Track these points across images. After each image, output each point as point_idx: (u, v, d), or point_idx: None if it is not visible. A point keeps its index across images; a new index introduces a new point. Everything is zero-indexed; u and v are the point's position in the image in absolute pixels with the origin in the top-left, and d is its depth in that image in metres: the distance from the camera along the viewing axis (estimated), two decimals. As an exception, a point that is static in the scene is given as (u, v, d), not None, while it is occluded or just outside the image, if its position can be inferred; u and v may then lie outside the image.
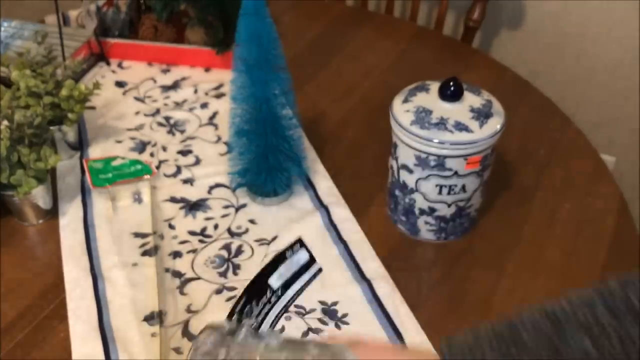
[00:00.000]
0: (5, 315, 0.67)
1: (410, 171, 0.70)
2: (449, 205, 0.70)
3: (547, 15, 1.44)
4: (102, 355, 0.62)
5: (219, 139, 0.91)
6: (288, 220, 0.78)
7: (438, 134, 0.66)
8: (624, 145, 1.47)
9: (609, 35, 1.39)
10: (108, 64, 1.09)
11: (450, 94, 0.68)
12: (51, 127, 0.83)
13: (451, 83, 0.68)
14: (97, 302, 0.68)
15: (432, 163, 0.67)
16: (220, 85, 1.02)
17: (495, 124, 0.68)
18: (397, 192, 0.74)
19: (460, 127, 0.66)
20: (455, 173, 0.68)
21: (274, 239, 0.75)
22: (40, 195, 0.76)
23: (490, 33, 1.51)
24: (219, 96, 1.00)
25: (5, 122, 0.74)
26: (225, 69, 1.02)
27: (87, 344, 0.64)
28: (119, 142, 0.91)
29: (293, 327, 0.65)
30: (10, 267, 0.73)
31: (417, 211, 0.72)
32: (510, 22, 1.48)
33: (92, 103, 0.89)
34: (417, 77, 0.77)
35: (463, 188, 0.69)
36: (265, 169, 0.76)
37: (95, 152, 0.89)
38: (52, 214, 0.79)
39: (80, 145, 0.90)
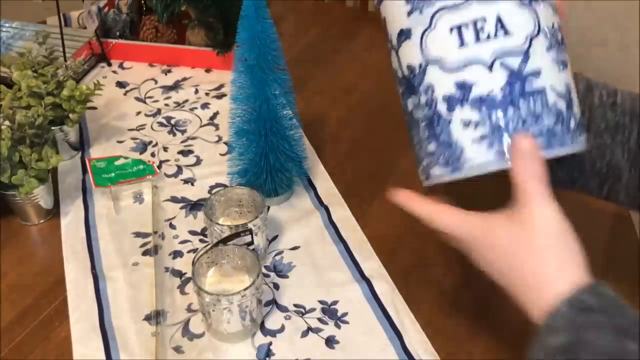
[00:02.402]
0: (5, 314, 0.67)
1: (407, 34, 0.50)
2: (491, 68, 0.46)
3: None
4: (102, 355, 0.63)
5: (220, 139, 0.92)
6: (288, 220, 0.78)
7: None
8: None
9: (609, 35, 1.39)
10: (109, 64, 1.09)
11: None
12: (52, 128, 0.83)
13: None
14: (97, 301, 0.68)
15: None
16: (220, 86, 1.03)
17: None
18: (412, 112, 0.52)
19: None
20: None
21: (274, 238, 0.76)
22: (41, 195, 0.77)
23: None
24: (220, 96, 1.01)
25: (7, 122, 0.75)
26: (226, 70, 1.02)
27: (87, 344, 0.64)
28: (120, 142, 0.91)
29: (293, 327, 0.65)
30: (11, 266, 0.73)
31: (441, 108, 0.49)
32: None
33: (94, 103, 0.90)
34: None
35: (500, 22, 0.46)
36: (266, 169, 0.77)
37: (97, 152, 0.89)
38: (53, 213, 0.79)
39: (82, 145, 0.90)
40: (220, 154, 0.89)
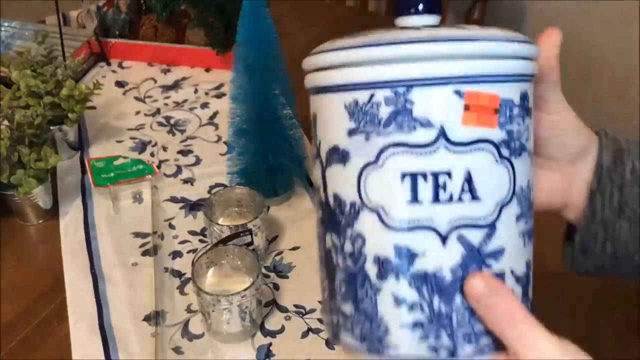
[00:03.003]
0: (5, 315, 0.67)
1: (342, 157, 0.37)
2: (445, 240, 0.36)
3: (547, 15, 1.44)
4: (101, 355, 0.62)
5: (219, 138, 0.91)
6: (288, 220, 0.78)
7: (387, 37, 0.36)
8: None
9: (609, 34, 1.39)
10: (108, 64, 1.09)
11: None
12: (51, 127, 0.83)
13: None
14: (97, 301, 0.68)
15: (384, 111, 0.35)
16: (220, 85, 1.03)
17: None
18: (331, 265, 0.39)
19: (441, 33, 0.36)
20: (442, 136, 0.35)
21: (274, 238, 0.75)
22: (40, 195, 0.76)
23: (491, 33, 1.51)
24: (219, 96, 1.00)
25: (6, 122, 0.75)
26: (226, 69, 1.02)
27: (87, 344, 0.64)
28: (120, 142, 0.91)
29: (293, 328, 0.65)
30: (10, 267, 0.73)
31: (370, 270, 0.37)
32: (511, 22, 1.48)
33: (93, 103, 0.89)
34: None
35: (468, 183, 0.35)
36: (265, 169, 0.76)
37: (96, 152, 0.89)
38: (52, 213, 0.79)
39: (81, 145, 0.90)
40: (220, 154, 0.88)
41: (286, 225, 0.77)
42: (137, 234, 0.76)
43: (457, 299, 0.36)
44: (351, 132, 0.36)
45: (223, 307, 0.60)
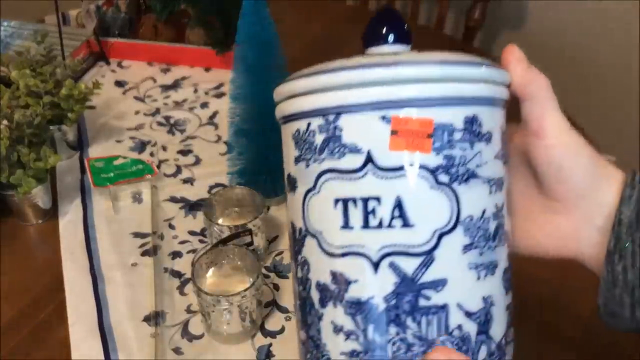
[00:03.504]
0: (5, 315, 0.67)
1: (293, 185, 0.39)
2: (376, 267, 0.35)
3: (548, 15, 1.44)
4: (101, 356, 0.62)
5: (219, 138, 0.91)
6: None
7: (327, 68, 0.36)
8: (624, 145, 1.47)
9: (610, 34, 1.39)
10: (108, 63, 1.09)
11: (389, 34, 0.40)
12: (51, 127, 0.83)
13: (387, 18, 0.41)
14: (96, 302, 0.68)
15: (319, 138, 0.36)
16: (220, 85, 1.02)
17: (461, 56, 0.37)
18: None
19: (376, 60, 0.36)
20: (370, 161, 0.35)
21: (274, 239, 0.75)
22: (39, 195, 0.76)
23: (491, 33, 1.51)
24: (219, 96, 1.00)
25: (5, 122, 0.74)
26: (225, 69, 1.02)
27: (86, 344, 0.63)
28: (119, 141, 0.91)
29: (293, 328, 0.65)
30: (9, 267, 0.73)
31: (314, 296, 0.37)
32: (511, 21, 1.48)
33: (92, 102, 0.89)
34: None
35: (399, 209, 0.34)
36: (265, 169, 0.76)
37: (95, 151, 0.89)
38: (51, 213, 0.79)
39: (80, 145, 0.90)
40: (220, 154, 0.88)
41: (286, 225, 0.77)
42: (137, 234, 0.76)
43: (392, 329, 0.34)
44: (296, 160, 0.37)
45: (223, 307, 0.60)
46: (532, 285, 0.64)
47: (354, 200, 0.35)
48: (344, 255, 0.35)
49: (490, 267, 0.36)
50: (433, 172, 0.34)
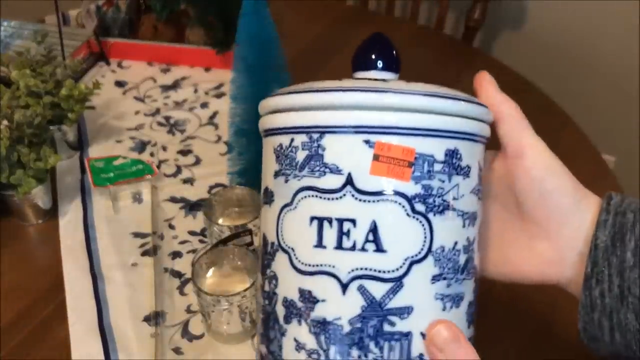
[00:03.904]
0: (5, 315, 0.67)
1: (269, 198, 0.39)
2: (345, 288, 0.35)
3: (548, 15, 1.44)
4: (101, 355, 0.62)
5: (219, 138, 0.91)
6: (288, 220, 0.78)
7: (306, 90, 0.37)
8: (624, 145, 1.47)
9: (610, 34, 1.39)
10: (108, 63, 1.09)
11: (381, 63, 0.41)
12: (51, 127, 0.83)
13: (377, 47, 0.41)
14: (96, 302, 0.68)
15: (300, 155, 0.36)
16: (220, 85, 1.02)
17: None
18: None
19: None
20: (349, 183, 0.35)
21: (274, 239, 0.75)
22: (39, 195, 0.76)
23: (491, 33, 1.51)
24: (219, 96, 1.00)
25: (5, 122, 0.74)
26: (226, 69, 1.02)
27: (86, 344, 0.63)
28: (119, 141, 0.91)
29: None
30: (9, 267, 0.73)
31: (279, 312, 0.37)
32: (511, 21, 1.48)
33: (92, 103, 0.89)
34: (417, 77, 0.77)
35: (373, 233, 0.35)
36: (265, 169, 0.76)
37: (95, 151, 0.89)
38: (51, 214, 0.79)
39: (80, 145, 0.90)
40: (220, 154, 0.88)
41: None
42: (137, 234, 0.76)
43: (354, 352, 0.34)
44: (276, 174, 0.38)
45: (223, 307, 0.60)
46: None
47: (330, 220, 0.35)
48: (313, 274, 0.35)
49: (456, 299, 0.37)
50: (410, 200, 0.35)
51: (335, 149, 0.35)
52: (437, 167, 0.35)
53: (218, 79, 1.04)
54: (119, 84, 1.04)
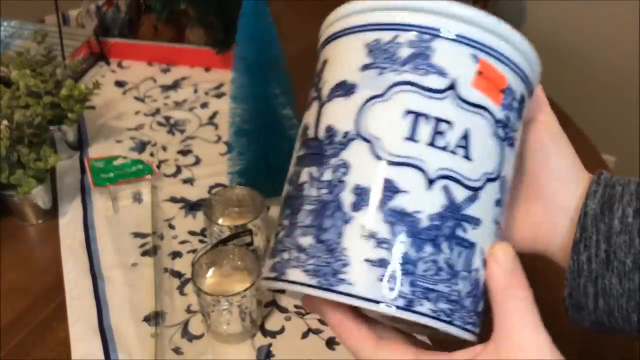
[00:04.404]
0: (5, 315, 0.67)
1: (348, 90, 0.38)
2: (431, 184, 0.35)
3: (548, 15, 1.44)
4: (101, 355, 0.62)
5: (219, 138, 0.91)
6: (288, 220, 0.78)
7: None
8: (624, 145, 1.47)
9: (609, 35, 1.39)
10: (108, 63, 1.09)
11: None
12: (51, 127, 0.83)
13: None
14: (96, 302, 0.68)
15: (405, 52, 0.37)
16: (220, 85, 1.02)
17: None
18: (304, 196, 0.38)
19: None
20: (453, 88, 0.36)
21: (274, 239, 0.75)
22: (39, 195, 0.76)
23: (491, 33, 1.51)
24: (219, 96, 1.00)
25: (5, 122, 0.74)
26: (226, 69, 1.02)
27: (86, 344, 0.63)
28: (119, 141, 0.91)
29: (293, 328, 0.65)
30: (9, 267, 0.73)
31: (345, 199, 0.36)
32: (511, 22, 1.49)
33: (92, 103, 0.89)
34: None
35: (465, 140, 0.36)
36: (265, 169, 0.76)
37: (95, 151, 0.89)
38: (51, 213, 0.79)
39: (80, 145, 0.90)
40: (220, 154, 0.88)
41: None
42: (137, 234, 0.76)
43: (428, 248, 0.35)
44: (365, 67, 0.37)
45: (223, 307, 0.60)
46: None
47: (427, 117, 0.36)
48: (399, 164, 0.35)
49: (500, 232, 0.39)
50: (496, 122, 0.37)
51: (445, 53, 0.36)
52: (515, 104, 0.38)
53: (218, 79, 1.04)
54: (119, 84, 1.04)
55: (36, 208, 0.77)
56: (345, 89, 0.38)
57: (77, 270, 0.71)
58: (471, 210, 0.36)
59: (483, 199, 0.36)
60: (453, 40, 0.36)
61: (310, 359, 0.62)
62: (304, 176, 0.38)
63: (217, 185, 0.83)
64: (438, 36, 0.36)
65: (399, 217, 0.35)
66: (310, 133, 0.39)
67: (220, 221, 0.73)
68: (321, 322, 0.66)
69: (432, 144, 0.35)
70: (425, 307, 0.34)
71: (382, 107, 0.36)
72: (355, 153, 0.36)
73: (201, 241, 0.75)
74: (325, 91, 0.39)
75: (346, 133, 0.37)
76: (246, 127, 0.75)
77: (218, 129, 0.93)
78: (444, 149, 0.36)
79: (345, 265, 0.35)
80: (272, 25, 0.70)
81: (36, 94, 0.80)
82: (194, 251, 0.73)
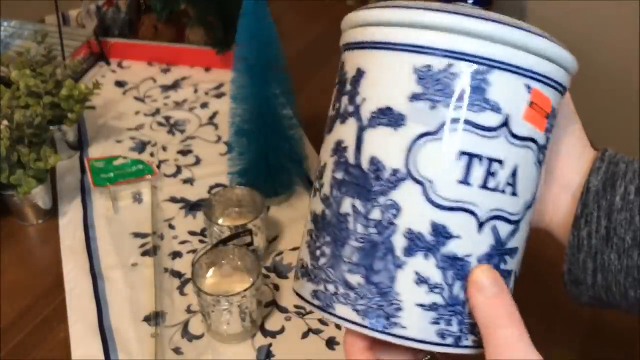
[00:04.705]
0: (5, 315, 0.67)
1: (395, 121, 0.35)
2: (481, 227, 0.35)
3: (548, 15, 1.44)
4: (101, 356, 0.62)
5: (219, 138, 0.91)
6: (288, 220, 0.78)
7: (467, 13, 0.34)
8: (624, 145, 1.47)
9: (609, 35, 1.39)
10: (108, 63, 1.09)
11: None
12: (51, 127, 0.83)
13: None
14: (96, 302, 0.68)
15: (459, 84, 0.34)
16: (220, 85, 1.02)
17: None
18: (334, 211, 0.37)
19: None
20: (505, 124, 0.35)
21: (274, 239, 0.75)
22: (39, 195, 0.76)
23: (491, 33, 1.51)
24: (219, 96, 1.00)
25: (5, 122, 0.74)
26: (225, 69, 1.02)
27: (86, 344, 0.63)
28: (119, 141, 0.91)
29: (293, 328, 0.65)
30: (10, 267, 0.73)
31: (397, 243, 0.35)
32: (511, 22, 1.48)
33: (92, 103, 0.89)
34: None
35: (513, 177, 0.35)
36: (265, 169, 0.76)
37: (95, 151, 0.89)
38: (51, 213, 0.79)
39: (80, 145, 0.90)
40: (220, 154, 0.88)
41: (286, 225, 0.77)
42: (137, 234, 0.76)
43: None
44: (414, 97, 0.34)
45: (223, 307, 0.60)
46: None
47: (481, 158, 0.34)
48: (452, 209, 0.34)
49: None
50: (540, 149, 0.36)
51: (500, 87, 0.34)
52: (553, 123, 0.38)
53: (218, 79, 1.04)
54: (119, 84, 1.04)
55: (36, 208, 0.77)
56: (392, 118, 0.35)
57: (77, 270, 0.71)
58: (512, 243, 0.36)
59: (522, 228, 0.36)
60: (510, 71, 0.34)
61: (310, 359, 0.62)
62: (347, 207, 0.36)
63: (217, 185, 0.83)
64: (494, 67, 0.34)
65: (451, 263, 0.35)
66: (350, 157, 0.36)
67: (220, 221, 0.73)
68: (321, 322, 0.66)
69: (484, 186, 0.34)
70: (470, 340, 0.36)
71: (434, 146, 0.34)
72: (406, 195, 0.34)
73: (201, 241, 0.75)
74: (366, 112, 0.35)
75: (395, 171, 0.34)
76: (246, 127, 0.75)
77: (218, 129, 0.93)
78: (494, 189, 0.35)
79: (398, 309, 0.35)
80: (272, 25, 0.70)
81: (36, 94, 0.80)
82: (194, 251, 0.73)
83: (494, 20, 0.34)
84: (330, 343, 0.64)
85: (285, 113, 0.75)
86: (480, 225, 0.35)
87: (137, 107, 0.98)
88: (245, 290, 0.60)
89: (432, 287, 0.35)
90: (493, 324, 0.33)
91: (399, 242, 0.34)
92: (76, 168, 0.86)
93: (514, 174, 0.35)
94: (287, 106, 0.75)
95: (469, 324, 0.35)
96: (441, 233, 0.34)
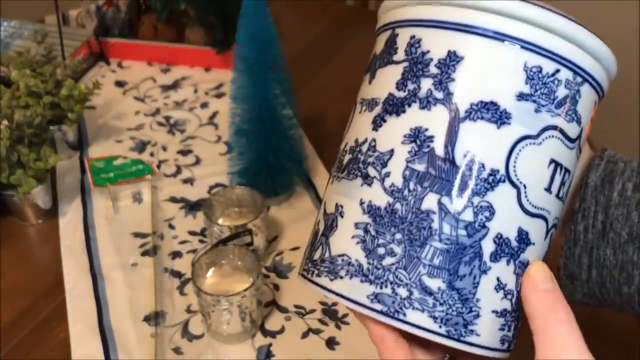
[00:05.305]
0: (4, 315, 0.67)
1: (500, 118, 0.33)
2: (548, 232, 0.36)
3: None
4: (101, 356, 0.62)
5: (219, 138, 0.91)
6: (288, 220, 0.78)
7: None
8: (624, 145, 1.47)
9: (609, 35, 1.39)
10: (108, 63, 1.09)
11: None
12: (51, 127, 0.83)
13: None
14: (96, 302, 0.68)
15: (561, 92, 0.34)
16: (220, 85, 1.02)
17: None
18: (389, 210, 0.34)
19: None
20: (580, 136, 0.36)
21: (274, 239, 0.75)
22: (39, 195, 0.76)
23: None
24: (219, 96, 1.00)
25: (5, 122, 0.74)
26: (225, 69, 1.02)
27: (86, 344, 0.63)
28: (119, 141, 0.91)
29: (293, 328, 0.65)
30: (9, 267, 0.73)
31: (486, 247, 0.33)
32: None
33: (92, 103, 0.89)
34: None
35: (567, 186, 0.37)
36: (265, 169, 0.76)
37: (95, 151, 0.89)
38: (51, 213, 0.79)
39: (80, 145, 0.90)
40: (220, 154, 0.88)
41: (286, 225, 0.77)
42: (137, 234, 0.76)
43: None
44: (521, 97, 0.33)
45: (223, 307, 0.60)
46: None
47: (562, 168, 0.35)
48: (534, 216, 0.34)
49: None
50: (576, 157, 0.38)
51: (585, 100, 0.35)
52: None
53: (218, 79, 1.04)
54: (119, 84, 1.04)
55: (36, 208, 0.77)
56: (496, 114, 0.33)
57: (77, 270, 0.71)
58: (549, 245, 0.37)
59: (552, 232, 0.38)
60: (592, 86, 0.35)
61: (310, 359, 0.62)
62: (431, 203, 0.33)
63: (217, 185, 0.83)
64: (587, 81, 0.34)
65: (523, 269, 0.34)
66: (438, 149, 0.33)
67: (220, 221, 0.73)
68: (321, 322, 0.66)
69: (557, 195, 0.35)
70: (513, 344, 0.37)
71: (533, 151, 0.33)
72: (502, 198, 0.33)
73: (201, 241, 0.75)
74: (465, 103, 0.33)
75: (494, 171, 0.33)
76: (246, 127, 0.75)
77: (218, 129, 0.93)
78: (561, 198, 0.36)
79: (477, 317, 0.33)
80: (272, 25, 0.70)
81: (36, 94, 0.80)
82: (194, 251, 0.73)
83: (597, 37, 0.35)
84: (330, 343, 0.64)
85: (285, 113, 0.75)
86: (547, 232, 0.36)
87: (137, 107, 0.98)
88: (245, 290, 0.60)
89: (506, 294, 0.34)
90: (545, 317, 0.32)
91: (488, 246, 0.33)
92: (76, 168, 0.86)
93: (569, 183, 0.37)
94: (287, 106, 0.75)
95: (517, 328, 0.36)
96: (524, 240, 0.34)
